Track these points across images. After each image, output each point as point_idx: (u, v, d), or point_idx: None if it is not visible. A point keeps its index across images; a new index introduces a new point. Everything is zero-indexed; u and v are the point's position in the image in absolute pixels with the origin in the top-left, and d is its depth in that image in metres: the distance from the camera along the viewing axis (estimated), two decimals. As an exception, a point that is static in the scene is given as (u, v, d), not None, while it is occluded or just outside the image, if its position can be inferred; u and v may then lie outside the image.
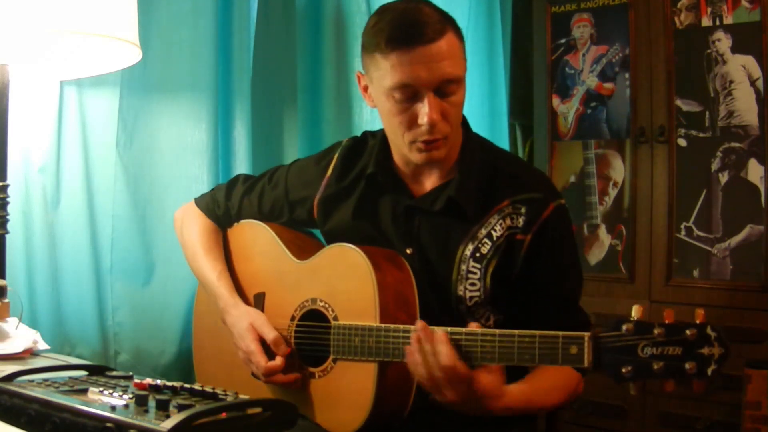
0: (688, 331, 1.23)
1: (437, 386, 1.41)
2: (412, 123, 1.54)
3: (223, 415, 1.24)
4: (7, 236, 1.83)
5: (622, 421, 2.66)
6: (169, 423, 1.16)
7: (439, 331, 1.41)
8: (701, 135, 2.56)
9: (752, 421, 2.28)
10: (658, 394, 2.57)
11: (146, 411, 1.24)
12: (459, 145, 1.65)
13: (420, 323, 1.42)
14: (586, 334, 1.31)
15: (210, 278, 1.77)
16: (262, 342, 1.64)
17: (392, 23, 1.53)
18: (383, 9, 1.58)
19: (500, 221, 1.59)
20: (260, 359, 1.62)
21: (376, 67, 1.55)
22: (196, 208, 1.90)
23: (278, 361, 1.61)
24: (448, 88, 1.52)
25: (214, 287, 1.76)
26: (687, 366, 1.22)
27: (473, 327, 1.43)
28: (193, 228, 1.86)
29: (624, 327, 1.27)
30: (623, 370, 1.26)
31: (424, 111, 1.51)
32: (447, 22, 1.55)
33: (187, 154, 2.20)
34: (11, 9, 1.63)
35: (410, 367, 1.44)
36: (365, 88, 1.63)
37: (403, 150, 1.60)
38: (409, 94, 1.52)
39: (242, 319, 1.68)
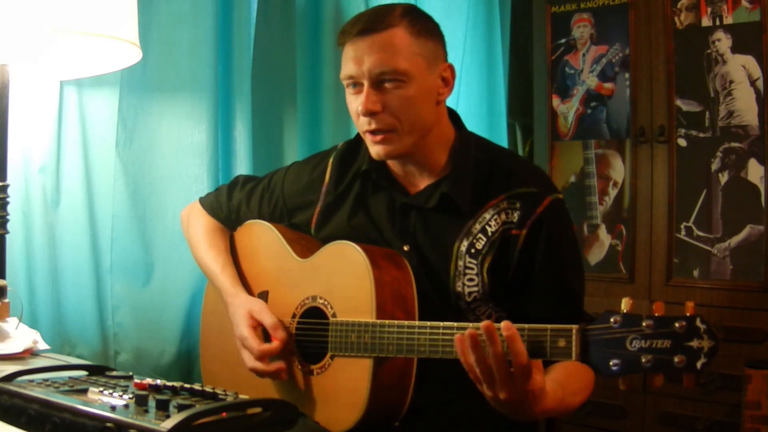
0: (676, 324, 1.19)
1: (492, 384, 1.30)
2: (357, 114, 1.57)
3: (223, 415, 1.24)
4: (7, 236, 1.83)
5: (622, 421, 2.66)
6: (169, 423, 1.16)
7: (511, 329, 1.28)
8: (701, 135, 2.56)
9: (752, 421, 2.28)
10: (658, 393, 2.57)
11: (146, 411, 1.24)
12: (448, 143, 1.64)
13: (486, 323, 1.29)
14: (574, 327, 1.27)
15: (214, 272, 1.79)
16: (264, 331, 1.64)
17: (351, 19, 1.59)
18: None
19: (495, 216, 1.58)
20: (253, 343, 1.61)
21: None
22: (200, 207, 1.91)
23: (274, 344, 1.60)
24: (386, 80, 1.53)
25: (218, 281, 1.77)
26: (676, 359, 1.18)
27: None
28: (198, 226, 1.88)
29: (612, 319, 1.24)
30: (611, 364, 1.23)
31: (359, 101, 1.55)
32: (405, 17, 1.55)
33: (187, 154, 2.20)
34: (11, 9, 1.62)
35: (462, 357, 1.32)
36: None
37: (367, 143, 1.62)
38: (354, 85, 1.57)
39: (241, 307, 1.68)
